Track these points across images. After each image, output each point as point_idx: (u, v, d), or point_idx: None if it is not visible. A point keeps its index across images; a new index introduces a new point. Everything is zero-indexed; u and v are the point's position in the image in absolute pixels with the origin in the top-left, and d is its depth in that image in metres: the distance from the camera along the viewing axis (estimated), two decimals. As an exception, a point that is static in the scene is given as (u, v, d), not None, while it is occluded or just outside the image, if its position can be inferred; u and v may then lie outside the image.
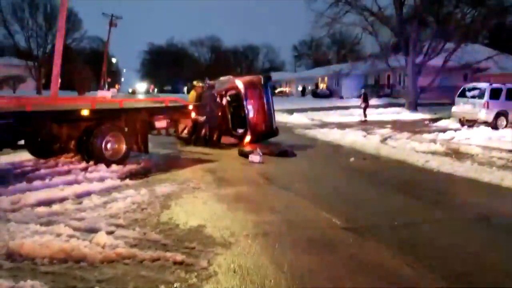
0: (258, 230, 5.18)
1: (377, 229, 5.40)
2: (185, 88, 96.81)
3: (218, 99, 12.75)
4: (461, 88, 19.79)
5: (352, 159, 10.75)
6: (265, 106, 13.02)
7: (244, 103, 12.67)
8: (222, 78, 14.65)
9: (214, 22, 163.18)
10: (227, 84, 13.53)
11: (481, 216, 6.15)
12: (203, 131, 12.47)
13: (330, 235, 5.11)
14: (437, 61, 29.54)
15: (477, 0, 28.08)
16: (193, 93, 13.31)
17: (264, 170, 9.21)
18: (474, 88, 19.03)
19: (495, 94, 18.07)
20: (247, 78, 14.00)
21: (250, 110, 12.68)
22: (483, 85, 18.98)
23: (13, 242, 4.29)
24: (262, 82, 13.27)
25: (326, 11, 29.64)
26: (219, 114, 12.67)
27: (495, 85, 18.69)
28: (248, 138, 12.70)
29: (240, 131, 13.00)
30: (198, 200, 6.48)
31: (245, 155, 10.39)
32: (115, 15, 45.63)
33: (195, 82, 13.84)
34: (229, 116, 13.05)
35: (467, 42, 29.60)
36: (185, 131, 12.73)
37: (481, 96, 18.19)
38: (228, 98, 13.14)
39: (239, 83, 13.06)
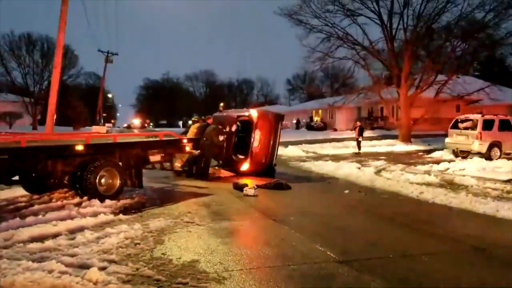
0: (253, 264, 5.14)
1: (372, 262, 5.37)
2: (181, 122, 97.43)
3: (227, 128, 13.06)
4: (454, 120, 20.00)
5: (346, 191, 10.76)
6: (271, 140, 13.22)
7: (253, 131, 12.94)
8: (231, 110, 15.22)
9: (209, 56, 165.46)
10: (242, 112, 14.12)
11: (477, 247, 6.13)
12: (199, 164, 12.52)
13: (325, 268, 5.07)
14: (429, 93, 29.97)
15: (467, 33, 28.69)
16: (194, 127, 13.56)
17: (259, 203, 9.19)
18: (466, 120, 19.24)
19: (487, 125, 18.27)
20: (263, 110, 14.43)
21: (256, 139, 12.93)
22: (475, 116, 19.20)
23: (4, 279, 4.24)
24: (275, 118, 13.67)
25: (318, 46, 30.30)
26: (223, 141, 12.82)
27: (487, 116, 18.93)
28: (246, 166, 12.87)
29: (241, 156, 13.15)
30: (192, 235, 6.44)
31: (239, 188, 10.37)
32: (111, 52, 46.21)
33: (196, 117, 14.16)
34: (234, 141, 13.29)
35: (458, 74, 30.13)
36: (180, 165, 12.76)
37: (474, 127, 18.38)
38: (238, 123, 13.46)
39: (254, 112, 13.53)
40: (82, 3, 25.71)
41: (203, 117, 14.61)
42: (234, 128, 13.25)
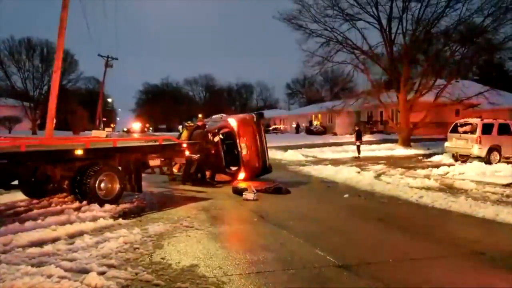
0: (252, 269, 5.14)
1: (372, 266, 5.36)
2: (180, 127, 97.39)
3: (210, 137, 12.80)
4: (453, 124, 20.02)
5: (346, 195, 10.75)
6: (258, 143, 13.14)
7: (237, 141, 12.80)
8: (214, 116, 14.84)
9: (208, 61, 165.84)
10: (220, 123, 13.69)
11: (476, 251, 6.12)
12: (195, 169, 12.50)
13: (325, 273, 5.06)
14: (428, 97, 29.98)
15: (466, 38, 28.75)
16: (185, 133, 13.40)
17: (258, 207, 9.18)
18: (466, 124, 19.25)
19: (487, 129, 18.29)
20: (240, 116, 14.16)
21: (243, 147, 12.82)
22: (474, 120, 19.24)
23: (3, 284, 4.23)
24: (255, 119, 13.44)
25: (318, 51, 30.29)
26: (212, 152, 12.68)
27: (486, 121, 18.97)
28: (241, 176, 12.77)
29: (234, 168, 13.05)
30: (191, 239, 6.43)
31: (239, 192, 10.37)
32: (111, 56, 46.29)
33: (187, 123, 14.00)
34: (222, 154, 13.04)
35: (457, 79, 30.13)
36: (179, 169, 12.74)
37: (473, 131, 18.40)
38: (221, 136, 13.19)
39: (232, 121, 13.25)
40: (81, 8, 25.69)
41: (189, 122, 14.41)
42: (217, 139, 12.99)
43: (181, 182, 12.39)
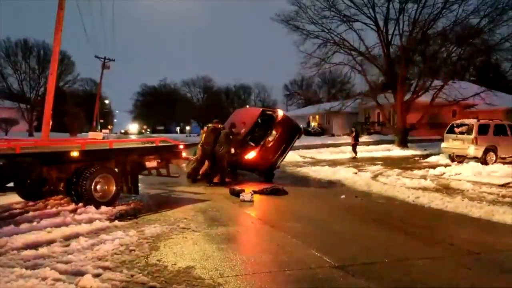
0: (248, 270, 5.13)
1: (368, 267, 5.36)
2: (178, 128, 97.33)
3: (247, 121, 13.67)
4: (450, 125, 20.06)
5: (343, 196, 10.76)
6: (284, 143, 13.77)
7: (272, 127, 13.51)
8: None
9: (206, 62, 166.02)
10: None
11: (472, 252, 6.12)
12: (203, 168, 12.70)
13: (321, 274, 5.06)
14: (425, 98, 30.02)
15: (462, 39, 28.80)
16: (207, 134, 13.44)
17: (255, 209, 9.18)
18: (462, 125, 19.30)
19: (483, 130, 18.36)
20: (288, 115, 15.69)
21: (272, 135, 13.50)
22: (471, 121, 19.29)
23: (-3, 287, 4.21)
24: (296, 127, 14.58)
25: (315, 52, 30.33)
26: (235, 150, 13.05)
27: (483, 121, 19.01)
28: (253, 154, 13.20)
29: (252, 144, 13.49)
30: (187, 241, 6.41)
31: (236, 194, 10.36)
32: (108, 58, 46.14)
33: (210, 125, 13.95)
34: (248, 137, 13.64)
35: (454, 80, 30.19)
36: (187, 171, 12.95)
37: (469, 132, 18.45)
38: (259, 119, 13.90)
39: (280, 111, 14.28)
40: (78, 9, 25.65)
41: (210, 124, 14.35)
42: (248, 127, 13.54)
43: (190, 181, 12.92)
